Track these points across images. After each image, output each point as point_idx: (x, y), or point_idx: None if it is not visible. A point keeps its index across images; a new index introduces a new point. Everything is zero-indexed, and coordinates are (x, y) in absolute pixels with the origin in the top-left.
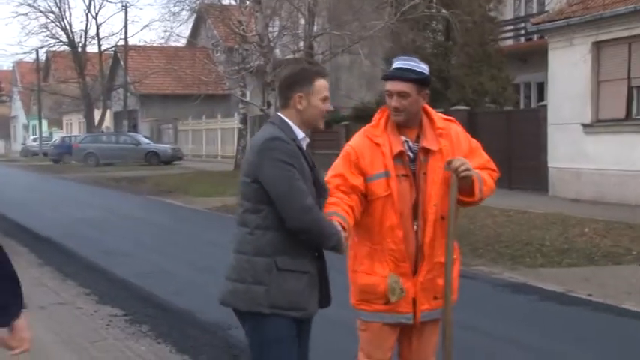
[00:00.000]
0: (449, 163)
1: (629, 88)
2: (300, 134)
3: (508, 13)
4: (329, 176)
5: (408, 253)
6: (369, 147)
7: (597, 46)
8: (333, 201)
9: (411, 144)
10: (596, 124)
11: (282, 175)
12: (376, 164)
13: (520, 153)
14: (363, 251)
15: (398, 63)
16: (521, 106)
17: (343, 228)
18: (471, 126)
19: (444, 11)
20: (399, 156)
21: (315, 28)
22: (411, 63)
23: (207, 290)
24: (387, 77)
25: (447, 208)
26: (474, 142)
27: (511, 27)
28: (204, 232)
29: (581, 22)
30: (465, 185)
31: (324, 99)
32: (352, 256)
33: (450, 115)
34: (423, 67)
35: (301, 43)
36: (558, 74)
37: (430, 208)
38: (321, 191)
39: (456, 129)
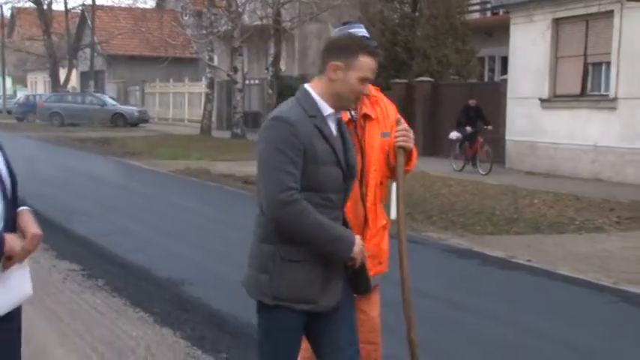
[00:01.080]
0: (397, 123)
1: (585, 65)
2: (327, 109)
3: None
4: None
5: (357, 220)
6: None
7: (556, 23)
8: None
9: (352, 112)
10: (553, 99)
11: (266, 159)
12: None
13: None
14: None
15: (362, 31)
16: (486, 79)
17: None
18: (435, 97)
19: None
20: (347, 125)
21: None
22: (361, 30)
23: (164, 248)
24: (375, 53)
25: (384, 174)
26: (397, 113)
27: (477, 0)
28: (165, 194)
29: None
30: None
31: (364, 80)
32: None
33: (414, 86)
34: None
35: (269, 10)
36: (519, 49)
37: (371, 173)
38: (348, 172)
39: (382, 96)
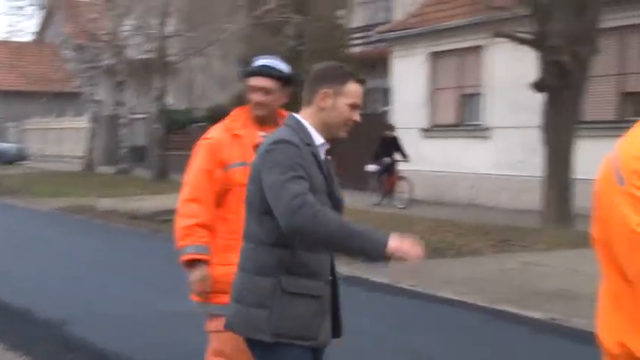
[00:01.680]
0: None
1: (461, 96)
2: (318, 139)
3: (359, 21)
4: (195, 172)
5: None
6: (229, 138)
7: (433, 57)
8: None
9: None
10: (433, 129)
11: (278, 179)
12: (235, 154)
13: (368, 155)
14: (217, 244)
15: (261, 61)
16: (370, 110)
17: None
18: None
19: (295, 17)
20: (258, 147)
21: (168, 28)
22: (275, 62)
23: (46, 288)
24: (252, 73)
25: None
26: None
27: (360, 34)
28: (45, 233)
29: (419, 33)
30: None
31: (353, 106)
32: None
33: None
34: (285, 67)
35: (154, 44)
36: (399, 81)
37: None
38: (336, 204)
39: None
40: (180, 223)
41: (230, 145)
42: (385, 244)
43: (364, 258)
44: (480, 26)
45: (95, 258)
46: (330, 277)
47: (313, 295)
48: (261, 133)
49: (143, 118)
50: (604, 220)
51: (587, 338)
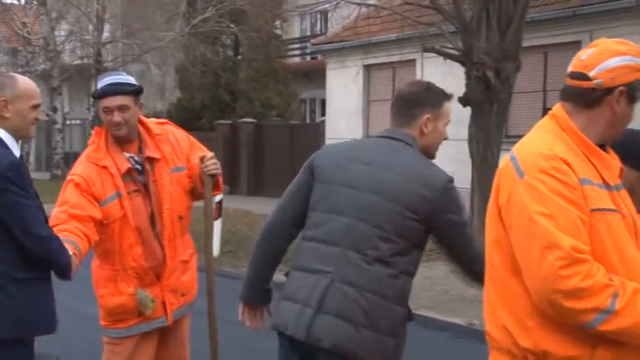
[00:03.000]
0: (202, 160)
1: None
2: None
3: (296, 32)
4: (59, 205)
5: (153, 262)
6: (97, 171)
7: (367, 69)
8: (66, 227)
9: (135, 157)
10: None
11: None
12: (107, 187)
13: (301, 165)
14: (105, 275)
15: (107, 80)
16: (308, 120)
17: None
18: (258, 138)
19: (232, 26)
20: (128, 173)
21: (104, 35)
22: (122, 77)
23: None
24: (102, 94)
25: (182, 208)
26: (192, 138)
27: (297, 45)
28: None
29: (353, 46)
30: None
31: (446, 124)
32: (95, 282)
33: (238, 127)
34: (132, 79)
35: (90, 50)
36: (335, 92)
37: (164, 212)
38: None
39: (172, 130)
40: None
41: (100, 178)
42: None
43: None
44: (410, 41)
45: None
46: None
47: None
48: (127, 155)
49: (79, 124)
50: (505, 210)
51: None
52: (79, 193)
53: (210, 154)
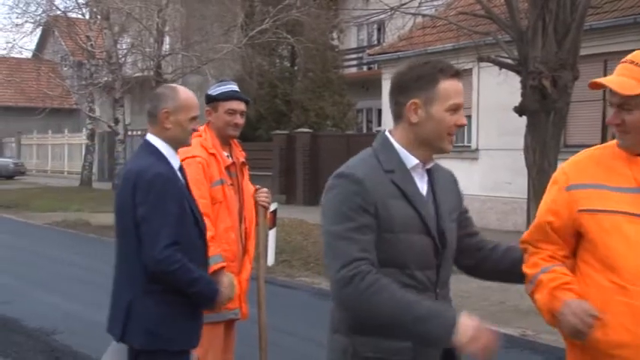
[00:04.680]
0: (256, 190)
1: None
2: (411, 160)
3: (352, 43)
4: (198, 186)
5: (237, 253)
6: (208, 156)
7: None
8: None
9: (231, 158)
10: None
11: (327, 230)
12: (215, 172)
13: None
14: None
15: (230, 86)
16: (364, 130)
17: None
18: (314, 147)
19: (289, 37)
20: (228, 167)
21: (164, 47)
22: (235, 86)
23: (36, 300)
24: (229, 97)
25: (256, 215)
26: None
27: (354, 56)
28: (38, 247)
29: (408, 56)
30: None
31: (454, 109)
32: None
33: (294, 137)
34: None
35: (151, 62)
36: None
37: (247, 212)
38: (441, 241)
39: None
40: None
41: (210, 162)
42: (453, 325)
43: (429, 342)
44: (465, 50)
45: (86, 270)
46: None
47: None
48: (226, 153)
49: (140, 135)
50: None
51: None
52: (204, 174)
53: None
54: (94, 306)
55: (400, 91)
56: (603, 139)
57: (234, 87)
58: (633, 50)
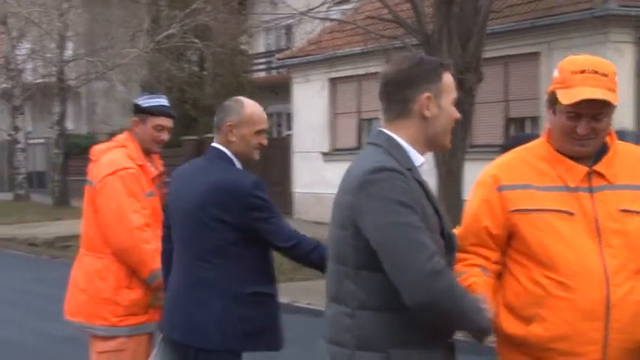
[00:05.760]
0: None
1: (360, 121)
2: (418, 159)
3: (261, 47)
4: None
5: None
6: (137, 168)
7: (332, 82)
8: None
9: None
10: (333, 153)
11: (394, 223)
12: (145, 184)
13: (270, 179)
14: (123, 271)
15: (161, 101)
16: (274, 134)
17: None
18: None
19: (197, 42)
20: (153, 178)
21: (67, 52)
22: (165, 100)
23: None
24: (161, 113)
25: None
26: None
27: (262, 60)
28: None
29: (317, 60)
30: None
31: (454, 102)
32: (110, 278)
33: (204, 142)
34: None
35: (53, 68)
36: (301, 106)
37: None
38: (450, 244)
39: None
40: (145, 248)
41: (139, 175)
42: (489, 316)
43: (477, 334)
44: (374, 54)
45: None
46: (449, 341)
47: None
48: (148, 164)
49: (42, 143)
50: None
51: None
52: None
53: None
54: (4, 322)
55: (408, 86)
56: (504, 139)
57: (165, 102)
58: (532, 53)
